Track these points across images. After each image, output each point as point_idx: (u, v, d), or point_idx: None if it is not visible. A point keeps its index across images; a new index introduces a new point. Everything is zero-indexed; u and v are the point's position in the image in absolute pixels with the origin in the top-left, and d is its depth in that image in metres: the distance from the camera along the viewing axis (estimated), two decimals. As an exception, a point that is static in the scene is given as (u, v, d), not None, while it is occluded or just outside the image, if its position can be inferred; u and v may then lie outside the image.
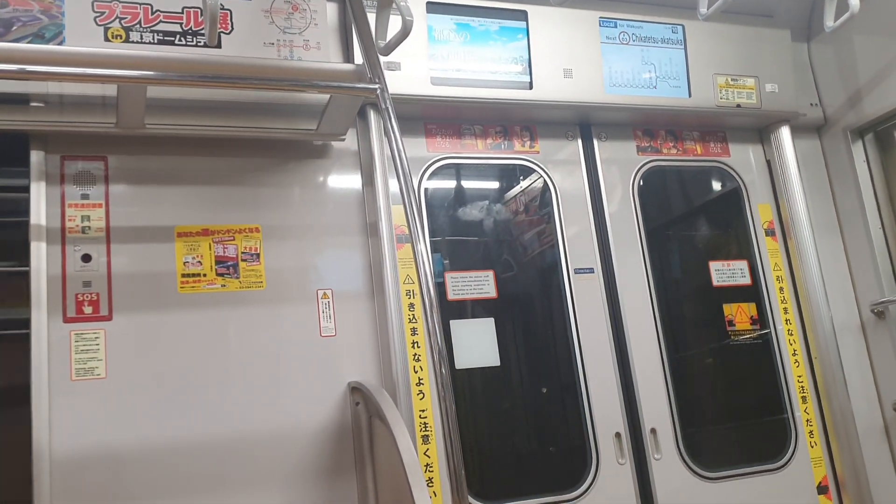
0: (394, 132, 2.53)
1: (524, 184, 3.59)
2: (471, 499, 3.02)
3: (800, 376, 3.69)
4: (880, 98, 3.72)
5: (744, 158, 3.92)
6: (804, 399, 3.67)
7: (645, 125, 3.76)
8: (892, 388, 3.71)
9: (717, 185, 3.99)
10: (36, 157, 2.79)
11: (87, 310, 2.73)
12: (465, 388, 3.31)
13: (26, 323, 2.65)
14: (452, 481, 2.27)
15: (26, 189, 2.76)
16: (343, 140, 3.14)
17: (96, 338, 2.71)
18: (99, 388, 2.68)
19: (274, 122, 2.99)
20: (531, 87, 3.38)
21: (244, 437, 2.80)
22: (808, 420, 3.64)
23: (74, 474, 2.58)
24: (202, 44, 2.77)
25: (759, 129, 3.95)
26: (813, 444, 3.62)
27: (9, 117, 2.69)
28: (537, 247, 3.55)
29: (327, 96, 2.83)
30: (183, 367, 2.79)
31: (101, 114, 2.78)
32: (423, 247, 2.43)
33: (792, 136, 3.86)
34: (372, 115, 3.15)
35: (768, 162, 3.93)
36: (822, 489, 3.58)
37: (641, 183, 3.69)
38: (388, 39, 2.78)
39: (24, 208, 2.75)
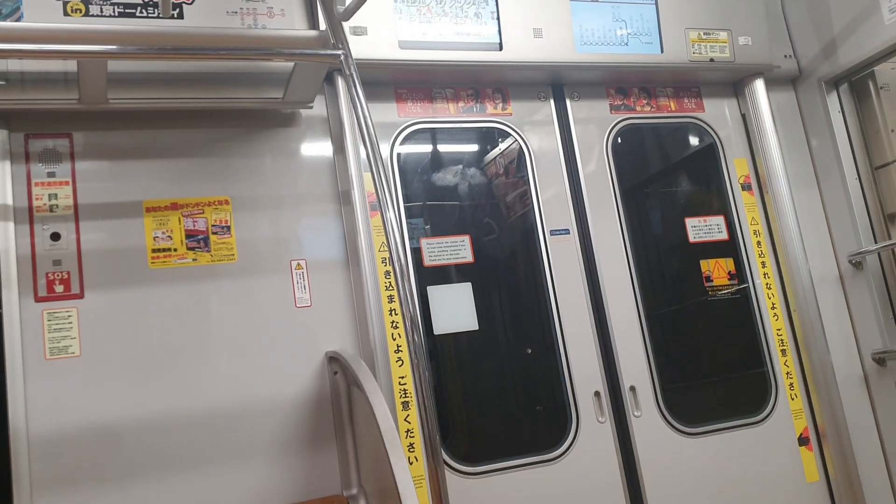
0: (359, 99, 2.50)
1: (498, 147, 3.56)
2: (455, 463, 3.05)
3: (779, 329, 3.71)
4: (855, 47, 3.69)
5: (718, 113, 3.90)
6: (784, 352, 3.69)
7: (618, 83, 3.73)
8: (871, 338, 3.73)
9: (692, 141, 3.97)
10: (-1, 136, 2.76)
11: (59, 288, 2.72)
12: (444, 353, 3.31)
13: (-3, 304, 2.64)
14: (427, 446, 2.29)
15: (-10, 169, 2.73)
16: (311, 108, 3.10)
17: (69, 316, 2.70)
18: (74, 366, 2.68)
19: (239, 91, 2.95)
20: (501, 49, 3.34)
21: (223, 410, 2.80)
22: (787, 373, 3.67)
23: (53, 453, 2.58)
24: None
25: (734, 83, 3.92)
26: (793, 396, 3.65)
27: (-32, 97, 2.65)
28: (513, 210, 3.54)
29: (292, 64, 2.79)
30: (158, 343, 2.78)
31: (64, 90, 2.74)
32: (393, 214, 2.42)
33: (766, 88, 3.83)
34: (339, 82, 3.11)
35: (743, 116, 3.90)
36: (803, 440, 3.61)
37: (616, 141, 3.66)
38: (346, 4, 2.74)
39: (-11, 188, 2.72)
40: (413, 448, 2.98)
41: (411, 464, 2.91)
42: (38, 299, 2.69)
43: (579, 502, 3.17)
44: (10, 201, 2.72)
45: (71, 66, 2.67)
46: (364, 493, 2.79)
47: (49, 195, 2.78)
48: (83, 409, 2.65)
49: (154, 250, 2.85)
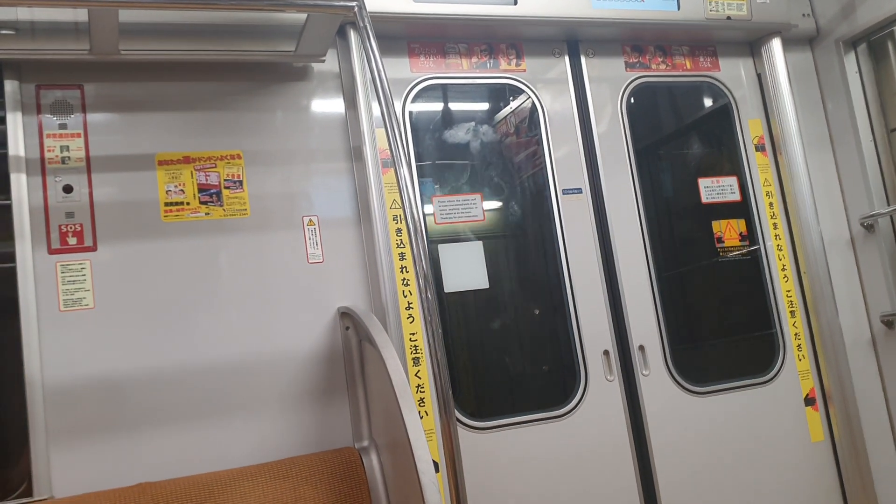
0: (373, 52, 2.47)
1: (511, 104, 3.54)
2: (465, 418, 3.08)
3: (788, 291, 3.71)
4: (874, 6, 3.64)
5: (734, 73, 3.86)
6: (792, 313, 3.69)
7: (633, 40, 3.68)
8: (880, 301, 3.74)
9: (707, 101, 3.93)
10: (10, 86, 2.74)
11: (72, 241, 2.72)
12: (455, 311, 3.33)
13: (11, 256, 2.64)
14: (440, 401, 2.30)
15: (2, 120, 2.71)
16: (323, 61, 3.07)
17: (82, 268, 2.71)
18: (87, 318, 2.69)
19: (251, 44, 2.92)
20: (516, 3, 3.30)
21: (235, 363, 2.83)
22: (796, 334, 3.68)
23: (67, 403, 2.61)
24: (174, -36, 2.68)
25: (750, 43, 3.87)
26: (801, 357, 3.67)
27: (-21, 46, 2.63)
28: (525, 168, 3.52)
29: (304, 16, 2.76)
30: (171, 296, 2.80)
31: (75, 40, 2.71)
32: (406, 171, 2.40)
33: (783, 48, 3.78)
34: (352, 35, 3.08)
35: (759, 76, 3.87)
36: (809, 401, 3.64)
37: (630, 100, 3.63)
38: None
39: (1, 139, 2.71)
40: (423, 402, 3.00)
41: (421, 418, 2.93)
42: (51, 251, 2.70)
43: (587, 458, 3.21)
44: (22, 153, 2.71)
45: (82, 15, 2.64)
46: (375, 445, 2.82)
47: (61, 147, 2.77)
48: (97, 360, 2.68)
49: (167, 204, 2.85)
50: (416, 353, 3.04)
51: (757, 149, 3.80)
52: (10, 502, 2.52)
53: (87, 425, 2.63)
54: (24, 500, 2.51)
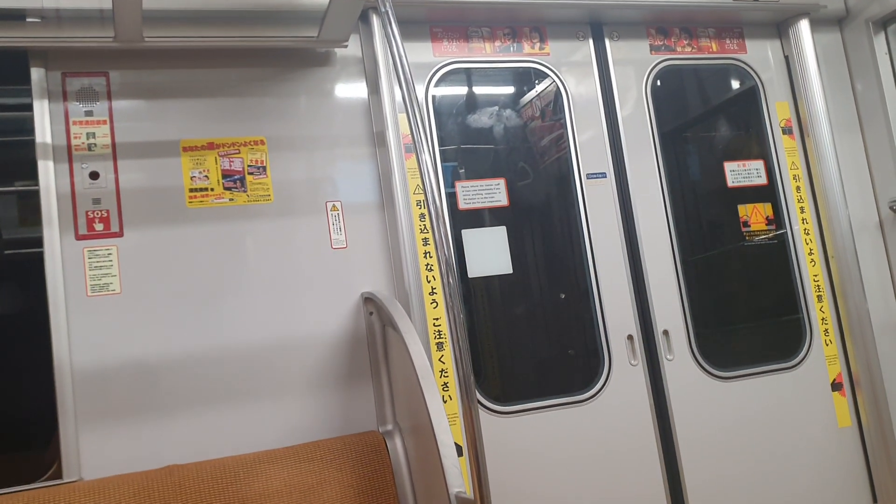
0: (394, 37, 2.45)
1: (535, 88, 3.51)
2: (489, 402, 3.08)
3: (815, 275, 3.67)
4: (906, -15, 3.57)
5: (761, 55, 3.80)
6: (820, 298, 3.65)
7: (658, 23, 3.64)
8: (910, 286, 3.70)
9: (733, 84, 3.88)
10: (36, 74, 2.77)
11: (99, 227, 2.75)
12: (479, 296, 3.32)
13: (39, 242, 2.68)
14: (462, 386, 2.30)
15: (29, 108, 2.74)
16: (346, 47, 3.07)
17: (109, 254, 2.74)
18: (114, 303, 2.73)
19: (274, 30, 2.93)
20: (539, -14, 3.28)
21: (260, 347, 2.85)
22: (823, 319, 3.64)
23: (96, 387, 2.65)
24: (196, -49, 2.70)
25: (778, 24, 3.82)
26: (828, 342, 3.63)
27: (5, 34, 2.66)
28: (549, 153, 3.50)
29: (326, 1, 2.76)
30: (196, 281, 2.82)
31: (99, 28, 2.74)
32: (428, 156, 2.38)
33: (812, 29, 3.73)
34: (374, 20, 3.07)
35: (786, 58, 3.81)
36: (836, 386, 3.61)
37: (655, 83, 3.59)
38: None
39: (28, 127, 2.74)
40: (447, 387, 3.01)
41: (445, 402, 2.94)
42: (78, 237, 2.73)
43: (610, 442, 3.20)
44: (48, 140, 2.74)
45: (106, 3, 2.65)
46: (399, 429, 2.84)
47: (87, 134, 2.80)
48: (124, 344, 2.71)
49: (191, 190, 2.87)
50: (440, 338, 3.05)
51: (784, 132, 3.75)
52: (40, 484, 2.56)
53: (115, 408, 2.67)
54: (54, 482, 2.55)
